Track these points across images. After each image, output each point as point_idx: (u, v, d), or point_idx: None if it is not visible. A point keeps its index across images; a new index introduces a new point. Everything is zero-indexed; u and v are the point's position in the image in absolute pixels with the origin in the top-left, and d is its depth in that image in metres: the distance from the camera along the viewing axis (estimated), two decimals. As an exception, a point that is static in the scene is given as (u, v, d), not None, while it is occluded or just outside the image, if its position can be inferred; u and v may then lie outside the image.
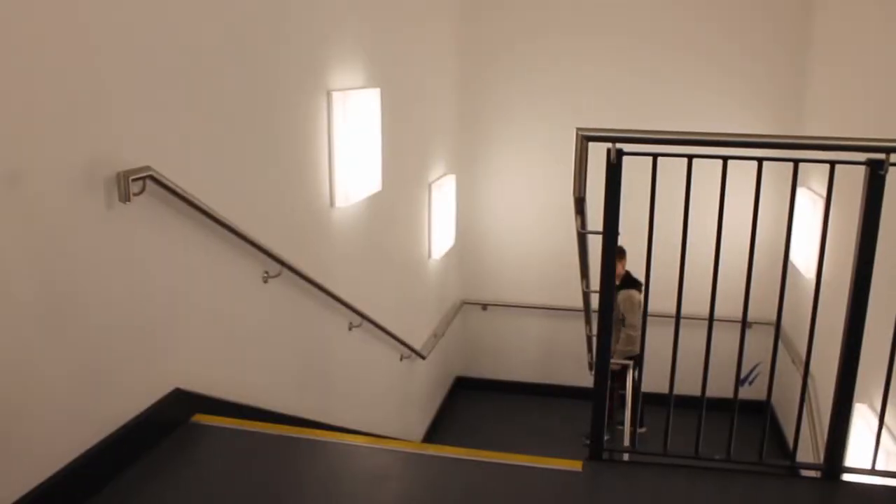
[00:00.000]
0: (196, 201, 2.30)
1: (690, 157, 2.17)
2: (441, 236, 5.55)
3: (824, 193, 2.22)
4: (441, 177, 5.57)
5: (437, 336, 5.66)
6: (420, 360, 5.24)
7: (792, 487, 2.36)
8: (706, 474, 2.27)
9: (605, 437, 2.27)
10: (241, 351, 2.77)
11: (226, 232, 2.52)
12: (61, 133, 1.83)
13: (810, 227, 4.65)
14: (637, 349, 5.17)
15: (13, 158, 1.70)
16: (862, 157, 2.05)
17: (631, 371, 4.75)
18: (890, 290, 2.71)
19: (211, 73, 2.47)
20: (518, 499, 2.17)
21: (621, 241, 2.21)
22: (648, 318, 2.37)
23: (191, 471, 2.21)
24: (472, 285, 6.39)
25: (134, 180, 2.01)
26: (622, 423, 5.42)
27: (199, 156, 2.43)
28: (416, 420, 5.58)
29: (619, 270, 5.04)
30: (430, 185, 5.32)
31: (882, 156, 2.01)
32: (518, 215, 6.26)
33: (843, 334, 2.16)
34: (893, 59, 3.71)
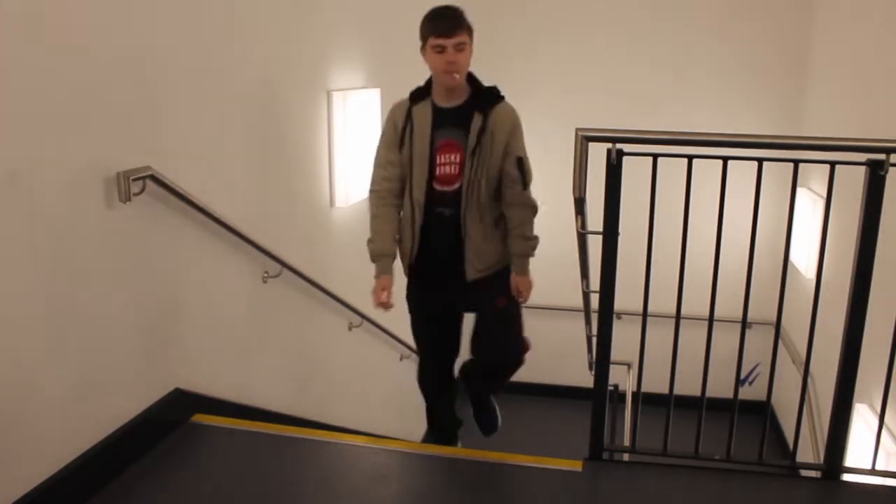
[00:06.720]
0: (196, 201, 2.30)
1: (690, 158, 2.17)
2: (441, 236, 5.53)
3: (824, 194, 2.22)
4: (441, 177, 5.56)
5: (437, 336, 5.64)
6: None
7: (792, 487, 2.36)
8: (706, 474, 2.27)
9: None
10: (240, 351, 2.77)
11: (226, 232, 2.52)
12: (62, 133, 1.83)
13: (810, 228, 4.64)
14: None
15: (13, 158, 1.70)
16: (862, 157, 2.05)
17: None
18: (890, 290, 2.71)
19: (211, 72, 2.46)
20: (518, 499, 2.17)
21: (621, 241, 2.21)
22: (648, 318, 2.37)
23: (190, 471, 2.21)
24: (472, 285, 6.38)
25: (134, 180, 2.01)
26: (492, 427, 3.59)
27: (199, 156, 2.43)
28: (416, 420, 5.57)
29: (465, 59, 2.75)
30: (430, 185, 5.30)
31: (882, 156, 2.01)
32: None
33: (843, 334, 2.16)
34: (893, 59, 3.71)
